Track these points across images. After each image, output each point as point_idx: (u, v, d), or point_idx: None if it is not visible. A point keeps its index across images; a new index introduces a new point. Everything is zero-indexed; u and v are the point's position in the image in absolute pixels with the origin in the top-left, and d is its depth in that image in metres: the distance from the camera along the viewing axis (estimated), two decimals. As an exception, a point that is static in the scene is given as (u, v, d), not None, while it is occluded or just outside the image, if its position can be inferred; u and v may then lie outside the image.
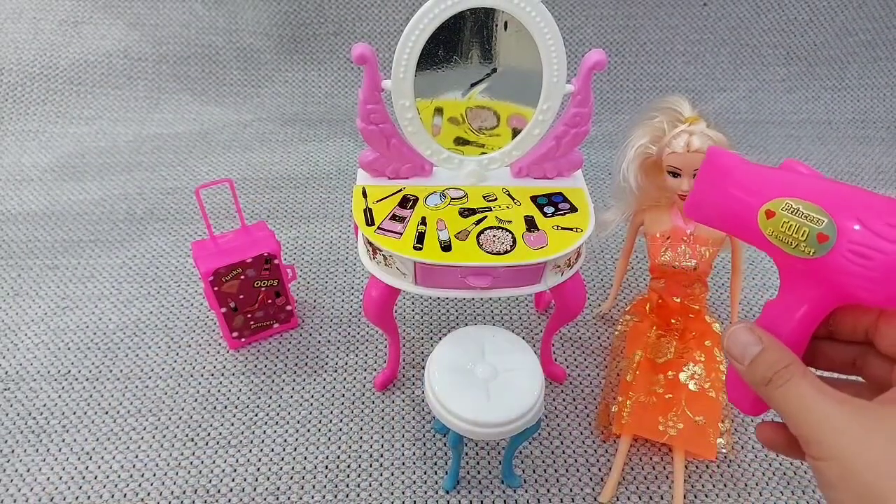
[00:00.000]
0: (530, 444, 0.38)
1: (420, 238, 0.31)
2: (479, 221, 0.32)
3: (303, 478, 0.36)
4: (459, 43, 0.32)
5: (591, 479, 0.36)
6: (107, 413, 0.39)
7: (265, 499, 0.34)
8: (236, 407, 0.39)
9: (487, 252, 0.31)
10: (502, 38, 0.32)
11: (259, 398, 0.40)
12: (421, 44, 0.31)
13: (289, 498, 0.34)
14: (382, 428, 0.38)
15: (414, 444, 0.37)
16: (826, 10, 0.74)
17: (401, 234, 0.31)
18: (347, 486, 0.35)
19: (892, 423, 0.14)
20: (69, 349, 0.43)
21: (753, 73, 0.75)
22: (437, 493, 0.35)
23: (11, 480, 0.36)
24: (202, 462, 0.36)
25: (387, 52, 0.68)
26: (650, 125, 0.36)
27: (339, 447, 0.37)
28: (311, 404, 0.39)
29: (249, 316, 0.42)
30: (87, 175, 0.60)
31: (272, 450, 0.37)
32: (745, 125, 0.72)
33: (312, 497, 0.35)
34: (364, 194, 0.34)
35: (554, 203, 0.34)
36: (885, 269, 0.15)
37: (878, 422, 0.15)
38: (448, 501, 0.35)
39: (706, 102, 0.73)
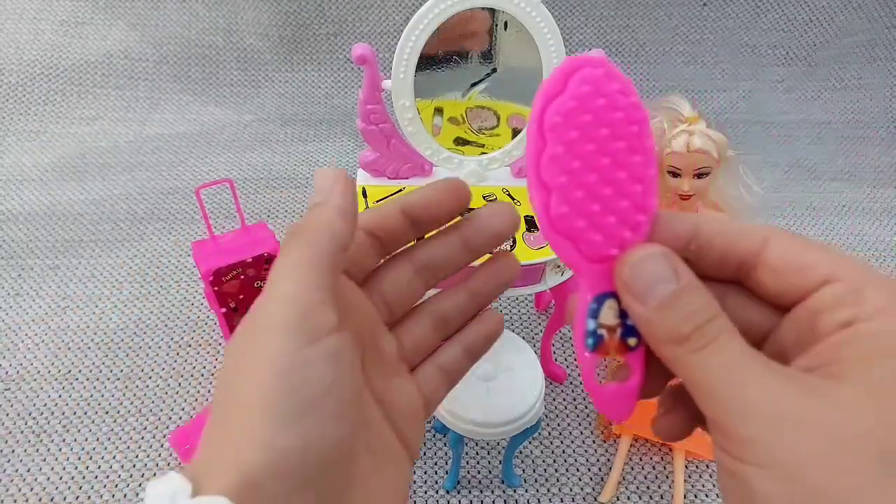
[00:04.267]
0: (530, 443, 0.38)
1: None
2: (479, 221, 0.32)
3: (303, 477, 0.36)
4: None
5: (591, 478, 0.36)
6: (107, 413, 0.39)
7: (265, 498, 0.34)
8: (236, 407, 0.40)
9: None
10: (502, 38, 0.32)
11: (259, 398, 0.40)
12: (421, 44, 0.31)
13: (289, 497, 0.34)
14: (383, 428, 0.38)
15: (414, 444, 0.38)
16: (825, 10, 0.74)
17: (401, 233, 0.31)
18: (348, 485, 0.35)
19: (869, 416, 0.10)
20: (70, 349, 0.43)
21: (752, 74, 0.75)
22: (437, 492, 0.35)
23: (12, 480, 0.36)
24: (202, 462, 0.36)
25: (387, 52, 0.68)
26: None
27: (340, 447, 0.37)
28: (312, 404, 0.40)
29: (250, 316, 0.42)
30: (87, 175, 0.60)
31: (272, 449, 0.37)
32: (745, 125, 0.72)
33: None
34: (364, 194, 0.34)
35: (554, 203, 0.34)
36: None
37: (848, 414, 0.10)
38: (448, 501, 0.35)
39: (706, 102, 0.73)
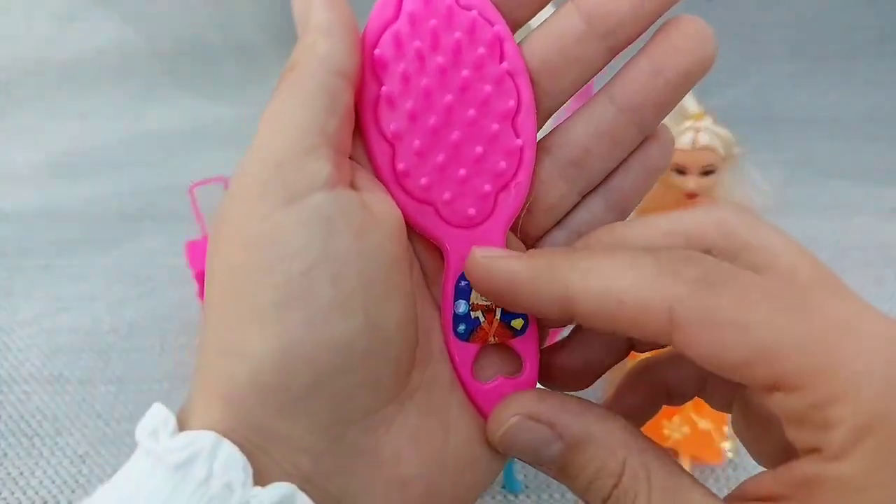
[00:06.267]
0: (532, 448, 0.38)
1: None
2: (479, 221, 0.31)
3: (299, 483, 0.35)
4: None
5: (593, 484, 0.36)
6: (100, 417, 0.39)
7: None
8: (232, 410, 0.39)
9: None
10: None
11: (255, 401, 0.40)
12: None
13: None
14: (381, 432, 0.38)
15: (413, 449, 0.37)
16: (833, 4, 0.73)
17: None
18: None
19: None
20: (62, 351, 0.43)
21: (759, 69, 0.74)
22: (436, 499, 0.35)
23: (4, 484, 0.35)
24: (197, 467, 0.36)
25: (386, 47, 0.66)
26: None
27: (337, 452, 0.37)
28: (308, 408, 0.39)
29: (245, 317, 0.42)
30: (79, 173, 0.60)
31: (268, 455, 0.36)
32: (752, 122, 0.71)
33: (309, 503, 0.34)
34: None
35: (557, 202, 0.33)
36: None
37: None
38: (448, 508, 0.34)
39: (712, 98, 0.71)
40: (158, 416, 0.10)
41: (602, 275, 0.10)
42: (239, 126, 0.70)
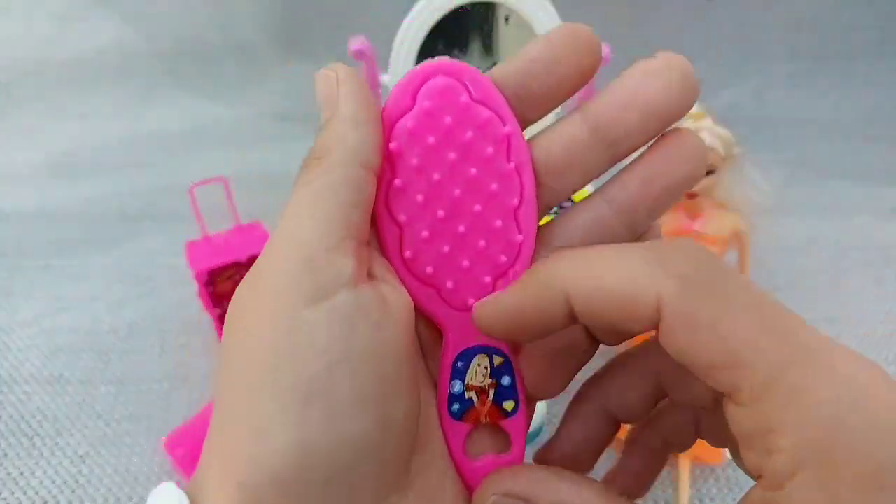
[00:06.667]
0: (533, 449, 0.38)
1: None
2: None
3: (299, 484, 0.35)
4: (460, 37, 0.31)
5: (594, 484, 0.36)
6: (100, 417, 0.39)
7: None
8: (232, 411, 0.39)
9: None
10: (503, 32, 0.31)
11: (255, 402, 0.39)
12: (420, 37, 0.30)
13: None
14: (381, 432, 0.38)
15: (413, 449, 0.37)
16: (833, 5, 0.73)
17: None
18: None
19: None
20: (62, 351, 0.43)
21: (759, 69, 0.74)
22: (436, 499, 0.35)
23: (5, 485, 0.35)
24: (197, 467, 0.36)
25: (388, 45, 0.67)
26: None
27: (337, 452, 0.37)
28: (309, 408, 0.39)
29: (245, 318, 0.42)
30: (79, 173, 0.60)
31: (268, 455, 0.36)
32: (752, 122, 0.71)
33: (309, 503, 0.34)
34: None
35: (557, 203, 0.33)
36: None
37: None
38: (448, 508, 0.34)
39: (712, 99, 0.72)
40: (171, 496, 0.10)
41: (593, 269, 0.11)
42: (239, 126, 0.71)
